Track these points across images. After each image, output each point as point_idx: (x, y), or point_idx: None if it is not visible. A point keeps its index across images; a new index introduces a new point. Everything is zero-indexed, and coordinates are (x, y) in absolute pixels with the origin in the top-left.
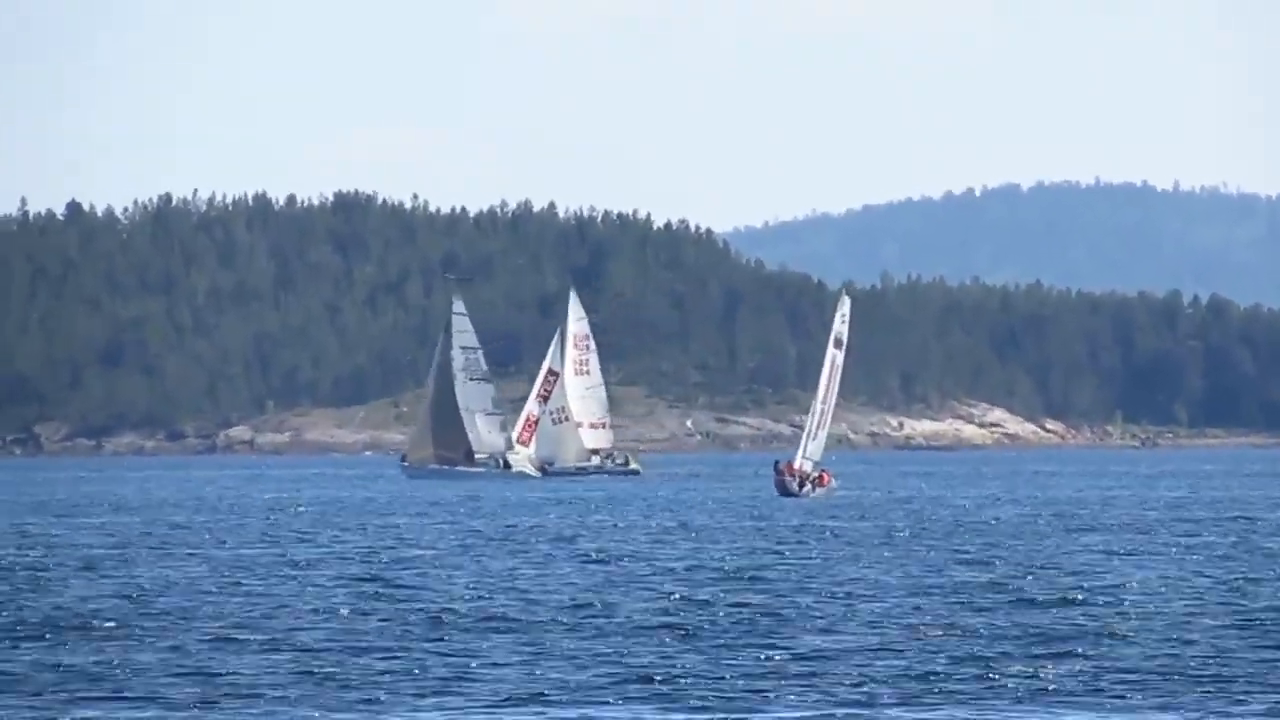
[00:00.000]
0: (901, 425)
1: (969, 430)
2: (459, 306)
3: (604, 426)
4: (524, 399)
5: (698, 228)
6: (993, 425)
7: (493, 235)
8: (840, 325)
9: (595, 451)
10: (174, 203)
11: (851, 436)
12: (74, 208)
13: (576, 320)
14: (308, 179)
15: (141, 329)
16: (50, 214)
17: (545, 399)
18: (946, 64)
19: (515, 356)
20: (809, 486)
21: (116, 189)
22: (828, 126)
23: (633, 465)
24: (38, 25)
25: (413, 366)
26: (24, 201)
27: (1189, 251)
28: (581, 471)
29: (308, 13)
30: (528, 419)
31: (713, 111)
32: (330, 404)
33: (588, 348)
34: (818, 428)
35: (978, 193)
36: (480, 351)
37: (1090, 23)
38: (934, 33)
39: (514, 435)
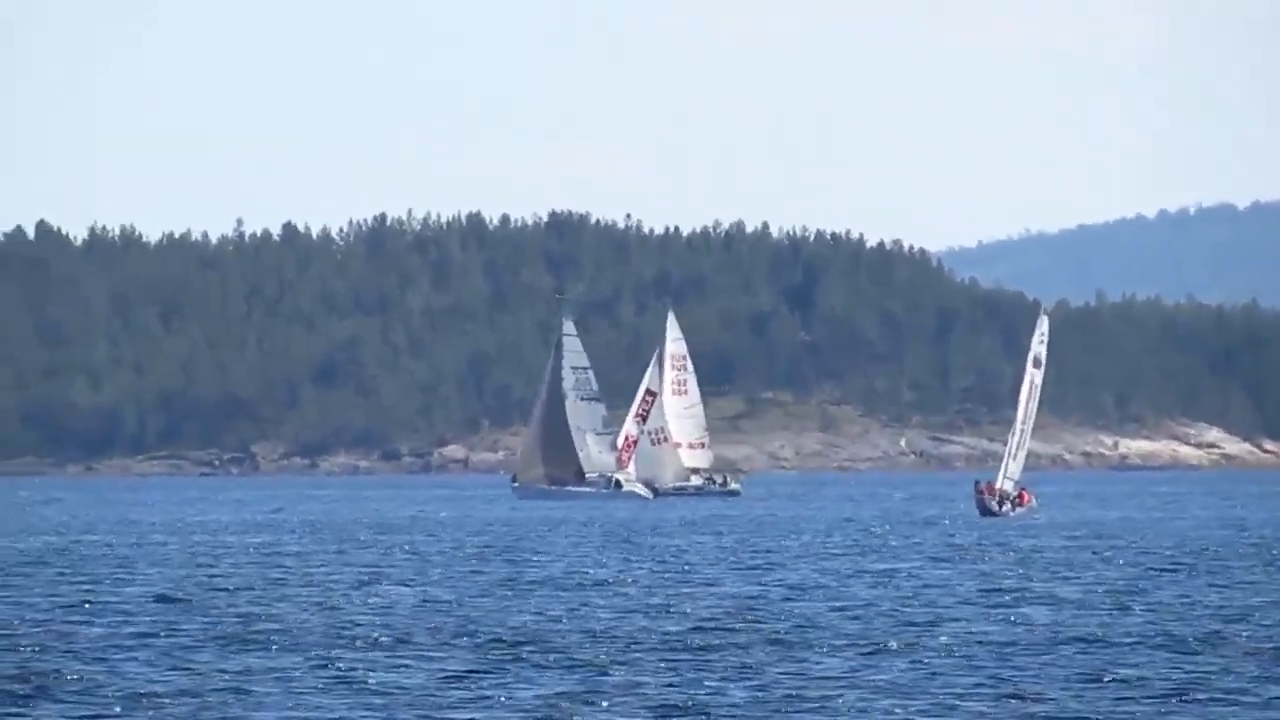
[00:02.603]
0: (1116, 445)
1: (1185, 450)
2: (569, 327)
3: (702, 446)
4: (736, 417)
5: (911, 247)
6: (1209, 446)
7: (705, 255)
8: (1038, 346)
9: (695, 471)
10: (389, 223)
11: (1066, 456)
12: (289, 228)
13: (674, 340)
14: (522, 199)
15: (356, 348)
16: (266, 234)
17: (643, 419)
18: (1162, 81)
19: (728, 376)
20: (1009, 505)
21: (332, 209)
22: (1041, 144)
23: (732, 485)
24: (252, 51)
25: (622, 386)
26: (240, 222)
27: None
28: (681, 491)
29: (527, 33)
30: (626, 439)
31: (927, 131)
32: None
33: (685, 368)
34: (1018, 447)
35: (1192, 211)
36: (590, 371)
37: None
38: (1149, 51)
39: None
